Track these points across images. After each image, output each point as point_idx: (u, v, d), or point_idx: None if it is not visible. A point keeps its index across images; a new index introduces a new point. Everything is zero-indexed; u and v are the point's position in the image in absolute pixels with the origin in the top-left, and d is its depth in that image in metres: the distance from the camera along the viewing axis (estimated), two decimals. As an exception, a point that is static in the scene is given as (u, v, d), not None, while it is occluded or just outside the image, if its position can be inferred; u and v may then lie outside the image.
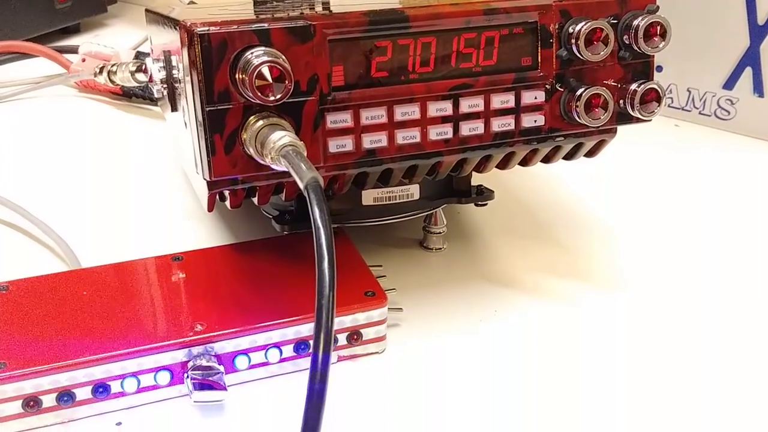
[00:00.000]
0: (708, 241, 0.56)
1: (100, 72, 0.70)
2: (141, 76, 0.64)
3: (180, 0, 0.94)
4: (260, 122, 0.37)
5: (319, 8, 0.57)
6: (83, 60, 0.76)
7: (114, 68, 0.69)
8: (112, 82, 0.69)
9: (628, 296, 0.49)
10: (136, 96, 0.76)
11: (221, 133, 0.37)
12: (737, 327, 0.46)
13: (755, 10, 0.68)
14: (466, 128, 0.41)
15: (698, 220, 0.59)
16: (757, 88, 0.70)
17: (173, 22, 0.40)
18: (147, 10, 0.55)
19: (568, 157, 0.47)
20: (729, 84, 0.72)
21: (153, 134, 0.71)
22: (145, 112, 0.75)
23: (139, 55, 0.75)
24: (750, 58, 0.70)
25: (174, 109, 0.46)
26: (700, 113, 0.74)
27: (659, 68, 0.75)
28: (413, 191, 0.49)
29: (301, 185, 0.32)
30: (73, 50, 0.80)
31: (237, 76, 0.36)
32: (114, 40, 0.90)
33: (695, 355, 0.44)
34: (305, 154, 0.35)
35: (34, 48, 0.79)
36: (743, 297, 0.49)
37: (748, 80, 0.71)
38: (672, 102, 0.75)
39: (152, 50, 0.58)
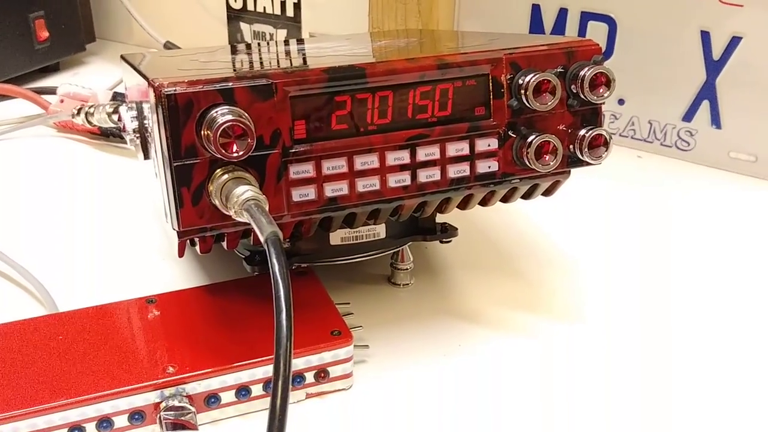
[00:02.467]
0: (669, 272, 0.58)
1: (78, 113, 0.72)
2: (117, 118, 0.65)
3: (156, 40, 0.96)
4: (225, 176, 0.38)
5: (295, 52, 0.59)
6: (61, 101, 0.78)
7: (91, 110, 0.71)
8: (90, 123, 0.71)
9: (589, 328, 0.51)
10: (113, 135, 0.77)
11: (188, 186, 0.39)
12: (699, 361, 0.48)
13: (710, 47, 0.71)
14: (424, 175, 0.43)
15: (660, 252, 0.61)
16: (714, 120, 0.73)
17: (143, 76, 0.42)
18: (122, 57, 0.57)
19: (526, 196, 0.49)
20: (688, 116, 0.74)
21: (130, 173, 0.72)
22: (122, 152, 0.76)
23: (116, 96, 0.76)
24: (707, 92, 0.73)
25: (146, 157, 0.48)
26: (661, 144, 0.77)
27: (621, 101, 0.78)
28: (379, 231, 0.51)
29: (261, 239, 0.34)
30: (52, 91, 0.82)
31: (203, 132, 0.38)
32: (92, 78, 0.91)
33: (656, 386, 0.46)
34: (267, 207, 0.37)
35: (13, 90, 0.81)
36: (706, 330, 0.51)
37: (706, 113, 0.73)
38: (635, 134, 0.78)
39: (127, 95, 0.59)
